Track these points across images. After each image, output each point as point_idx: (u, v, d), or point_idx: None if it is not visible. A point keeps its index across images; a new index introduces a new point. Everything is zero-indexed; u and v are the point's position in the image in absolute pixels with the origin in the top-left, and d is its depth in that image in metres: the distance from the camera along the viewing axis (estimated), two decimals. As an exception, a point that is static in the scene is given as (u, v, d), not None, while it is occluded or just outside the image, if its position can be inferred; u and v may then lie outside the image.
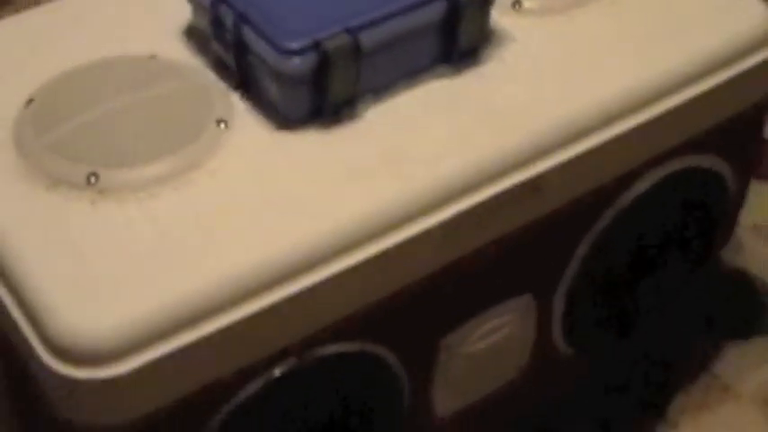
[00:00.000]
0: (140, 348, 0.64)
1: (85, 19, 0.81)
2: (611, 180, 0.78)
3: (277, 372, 0.70)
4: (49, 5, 0.83)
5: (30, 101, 0.74)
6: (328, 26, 0.72)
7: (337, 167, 0.72)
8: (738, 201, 0.90)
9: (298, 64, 0.71)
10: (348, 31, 0.72)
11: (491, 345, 0.80)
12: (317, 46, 0.71)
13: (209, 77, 0.76)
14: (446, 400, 0.81)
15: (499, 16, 0.79)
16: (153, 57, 0.77)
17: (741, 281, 1.04)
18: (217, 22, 0.75)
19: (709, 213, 0.88)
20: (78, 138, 0.72)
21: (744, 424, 0.95)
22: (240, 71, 0.75)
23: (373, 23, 0.72)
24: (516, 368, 0.85)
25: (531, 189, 0.74)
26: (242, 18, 0.73)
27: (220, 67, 0.76)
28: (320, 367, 0.71)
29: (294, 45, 0.71)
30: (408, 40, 0.75)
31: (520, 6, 0.81)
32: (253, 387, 0.69)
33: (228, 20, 0.74)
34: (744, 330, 1.01)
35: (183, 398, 0.67)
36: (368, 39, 0.72)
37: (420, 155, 0.72)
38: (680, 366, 0.98)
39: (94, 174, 0.70)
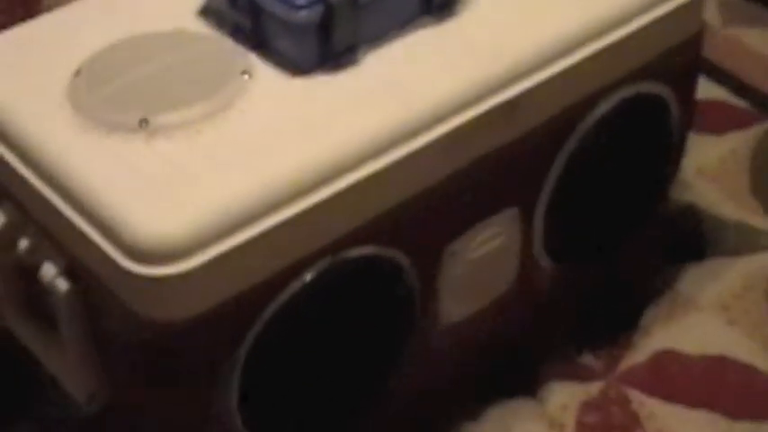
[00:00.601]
0: (204, 246, 0.77)
1: (111, 8, 0.94)
2: (577, 102, 0.92)
3: (314, 271, 0.82)
4: (79, 2, 0.96)
5: (78, 71, 0.87)
6: (330, -16, 0.85)
7: (346, 99, 0.85)
8: (684, 127, 1.04)
9: (306, 15, 0.85)
10: (347, -14, 0.86)
11: (487, 254, 0.93)
12: (322, 0, 0.85)
13: (229, 42, 0.89)
14: (449, 308, 0.94)
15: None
16: (177, 30, 0.91)
17: (691, 215, 1.19)
18: (232, -7, 0.88)
19: (660, 136, 1.02)
20: (127, 92, 0.85)
21: (707, 328, 1.08)
22: (256, 33, 0.88)
23: (367, -20, 0.86)
24: (508, 280, 0.98)
25: (511, 108, 0.88)
26: (255, -16, 0.86)
27: (237, 35, 0.90)
28: (347, 269, 0.84)
29: (303, 0, 0.85)
30: (396, -6, 0.89)
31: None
32: (295, 285, 0.82)
33: (243, -12, 0.87)
34: (698, 254, 1.14)
35: (239, 293, 0.79)
36: (364, -8, 0.86)
37: (415, 85, 0.86)
38: (646, 284, 1.11)
39: (145, 119, 0.83)
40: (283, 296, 0.82)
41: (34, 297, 0.93)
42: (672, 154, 1.05)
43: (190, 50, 0.89)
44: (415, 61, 0.88)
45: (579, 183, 0.97)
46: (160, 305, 0.78)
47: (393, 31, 0.90)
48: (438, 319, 0.94)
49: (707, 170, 1.23)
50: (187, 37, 0.90)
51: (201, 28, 0.91)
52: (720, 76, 1.33)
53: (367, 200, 0.83)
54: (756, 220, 1.18)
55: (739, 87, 1.33)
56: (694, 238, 1.16)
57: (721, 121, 1.29)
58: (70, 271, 0.84)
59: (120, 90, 0.85)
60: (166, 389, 0.82)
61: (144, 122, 0.83)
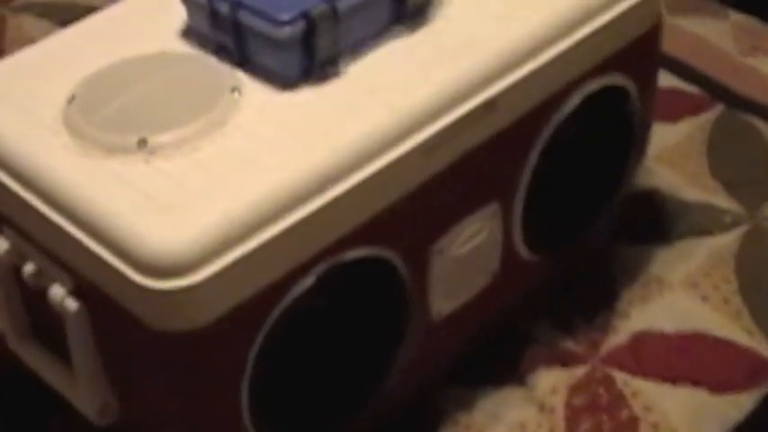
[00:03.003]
0: (213, 256, 0.80)
1: (95, 34, 0.97)
2: (549, 98, 0.97)
3: (315, 274, 0.86)
4: (64, 31, 0.99)
5: (71, 97, 0.90)
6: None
7: (333, 109, 0.89)
8: (647, 116, 1.09)
9: (290, 31, 0.88)
10: (326, 1, 0.89)
11: (472, 249, 0.97)
12: (304, 15, 0.88)
13: (214, 61, 0.93)
14: (439, 302, 0.98)
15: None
16: (163, 52, 0.94)
17: (656, 199, 1.24)
18: (214, 14, 0.92)
19: (624, 125, 1.07)
20: (123, 115, 0.88)
21: (681, 306, 1.13)
22: (239, 50, 0.92)
23: (344, -7, 0.90)
24: (491, 273, 1.02)
25: (489, 107, 0.92)
26: (237, 4, 0.90)
27: (220, 53, 0.93)
28: (344, 270, 0.88)
29: (285, 16, 0.88)
30: (372, 5, 0.92)
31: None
32: (298, 288, 0.85)
33: (224, 8, 0.91)
34: (665, 236, 1.19)
35: (247, 299, 0.83)
36: (343, 5, 0.90)
37: (397, 91, 0.90)
38: (618, 267, 1.16)
39: (143, 140, 0.86)
40: (288, 299, 0.85)
41: (36, 321, 0.97)
42: (635, 141, 1.10)
43: (178, 71, 0.92)
44: (394, 68, 0.92)
45: (552, 174, 1.01)
46: (174, 317, 0.81)
47: (369, 40, 0.94)
48: (429, 313, 0.98)
49: (665, 156, 1.28)
50: (174, 58, 0.93)
51: (185, 49, 0.95)
52: (672, 64, 1.38)
53: (360, 204, 0.87)
54: (719, 200, 1.23)
55: (690, 74, 1.38)
56: (661, 221, 1.21)
57: (675, 108, 1.35)
58: (78, 291, 0.86)
59: (116, 113, 0.88)
60: (183, 397, 0.85)
61: (142, 143, 0.86)
